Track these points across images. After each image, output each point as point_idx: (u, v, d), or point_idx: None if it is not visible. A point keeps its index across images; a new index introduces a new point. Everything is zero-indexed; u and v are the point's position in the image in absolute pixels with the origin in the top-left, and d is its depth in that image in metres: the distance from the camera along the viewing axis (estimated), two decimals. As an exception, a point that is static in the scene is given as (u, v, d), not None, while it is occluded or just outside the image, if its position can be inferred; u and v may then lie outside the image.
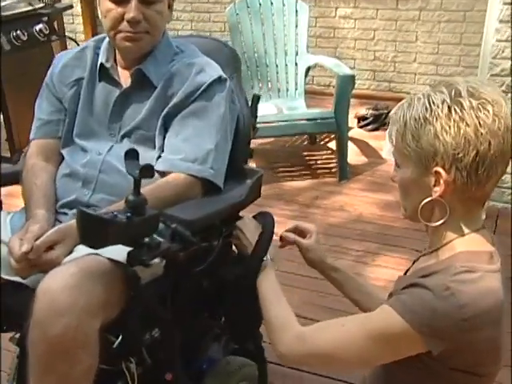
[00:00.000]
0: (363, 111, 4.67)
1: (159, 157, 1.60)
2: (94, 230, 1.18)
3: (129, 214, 1.22)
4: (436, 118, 1.09)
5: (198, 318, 1.54)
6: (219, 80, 1.63)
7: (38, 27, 3.91)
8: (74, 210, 1.57)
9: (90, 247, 1.20)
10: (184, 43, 1.74)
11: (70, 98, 1.69)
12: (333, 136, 4.13)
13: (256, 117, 1.83)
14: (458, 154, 1.07)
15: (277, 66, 4.16)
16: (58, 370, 1.23)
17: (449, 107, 1.08)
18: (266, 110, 3.90)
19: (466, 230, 1.15)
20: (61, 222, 1.56)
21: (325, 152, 4.26)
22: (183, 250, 1.38)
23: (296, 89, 4.17)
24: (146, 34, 1.59)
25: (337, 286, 1.54)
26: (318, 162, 4.16)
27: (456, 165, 1.08)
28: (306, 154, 4.27)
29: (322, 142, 4.41)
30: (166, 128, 1.61)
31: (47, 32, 3.97)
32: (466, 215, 1.15)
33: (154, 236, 1.28)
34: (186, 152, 1.57)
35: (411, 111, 1.13)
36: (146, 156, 1.60)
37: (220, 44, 1.87)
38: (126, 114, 1.65)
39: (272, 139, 4.30)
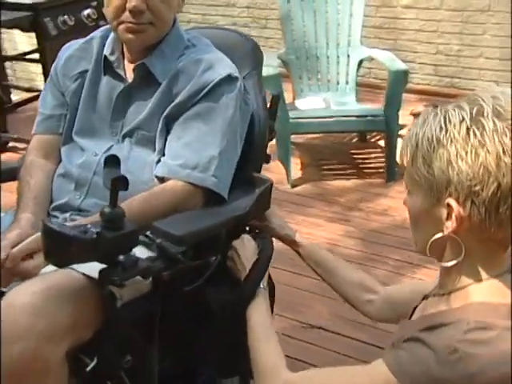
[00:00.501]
0: (420, 108, 4.39)
1: (159, 161, 1.47)
2: (57, 247, 1.07)
3: (99, 230, 1.09)
4: (451, 141, 0.91)
5: (188, 341, 1.40)
6: (228, 78, 1.48)
7: (86, 12, 3.85)
8: (66, 214, 1.47)
9: (54, 265, 1.09)
10: (197, 36, 1.59)
11: (73, 92, 1.58)
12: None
13: (275, 119, 1.67)
14: (475, 186, 0.89)
15: (328, 57, 3.94)
16: (17, 395, 1.13)
17: (467, 128, 0.90)
18: (313, 103, 3.71)
19: (484, 276, 0.96)
20: (52, 226, 1.46)
21: (374, 150, 4.02)
22: (168, 268, 1.25)
23: (347, 82, 3.96)
24: (150, 25, 1.45)
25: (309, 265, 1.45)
26: (366, 160, 3.94)
27: (472, 199, 0.90)
28: (354, 151, 4.05)
29: (373, 140, 4.18)
30: (168, 130, 1.48)
31: (95, 17, 3.90)
32: (484, 258, 0.96)
33: (131, 254, 1.15)
34: (186, 157, 1.43)
35: (424, 129, 0.95)
36: (147, 159, 1.48)
37: (240, 37, 1.71)
38: (129, 112, 1.52)
39: (320, 134, 4.11)
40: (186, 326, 1.36)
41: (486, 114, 0.90)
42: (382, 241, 3.02)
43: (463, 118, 0.91)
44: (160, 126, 1.47)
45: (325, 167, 3.84)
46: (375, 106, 3.83)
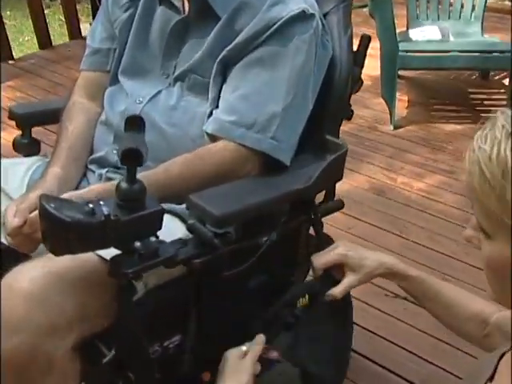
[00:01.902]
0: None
1: (211, 114, 1.22)
2: (54, 233, 0.87)
3: (110, 210, 0.88)
4: None
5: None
6: (302, 16, 1.18)
7: None
8: (102, 170, 1.27)
9: (52, 253, 0.89)
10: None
11: (123, 23, 1.34)
12: (509, 72, 3.39)
13: (362, 65, 1.35)
14: None
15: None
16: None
17: None
18: (428, 33, 3.26)
19: None
20: (89, 181, 1.28)
21: (497, 91, 3.53)
22: (202, 255, 1.03)
23: (472, 9, 3.44)
24: None
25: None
26: (486, 102, 3.47)
27: None
28: (472, 90, 3.58)
29: (497, 77, 3.67)
30: (224, 77, 1.22)
31: None
32: None
33: (151, 239, 0.94)
34: (241, 113, 1.17)
35: (500, 148, 0.63)
36: (198, 111, 1.23)
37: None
38: (183, 51, 1.27)
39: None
40: (224, 314, 1.14)
41: None
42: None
43: None
44: (214, 70, 1.20)
45: (435, 107, 3.42)
46: (505, 39, 3.30)
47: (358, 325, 1.97)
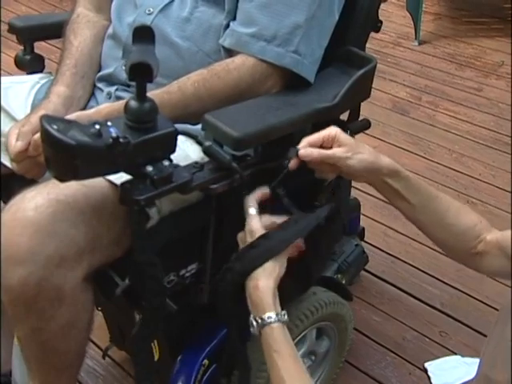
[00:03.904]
0: None
1: (228, 26, 1.11)
2: (60, 158, 0.79)
3: (119, 132, 0.80)
4: None
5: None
6: None
7: None
8: (111, 88, 1.18)
9: (57, 179, 0.82)
10: None
11: None
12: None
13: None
14: None
15: None
16: (26, 322, 0.93)
17: None
18: None
19: None
20: (97, 101, 1.19)
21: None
22: (219, 180, 0.95)
23: None
24: None
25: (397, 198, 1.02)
26: (519, 14, 3.27)
27: None
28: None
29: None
30: (241, -17, 1.10)
31: None
32: None
33: (164, 163, 0.86)
34: (261, 25, 1.07)
35: None
36: (213, 23, 1.13)
37: None
38: None
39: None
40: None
41: None
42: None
43: None
44: (231, -24, 1.09)
45: (465, 19, 3.22)
46: None
47: (379, 248, 1.93)
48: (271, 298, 0.91)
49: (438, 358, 1.59)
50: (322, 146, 0.97)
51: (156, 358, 1.18)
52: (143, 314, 1.07)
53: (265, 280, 0.91)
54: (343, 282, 1.54)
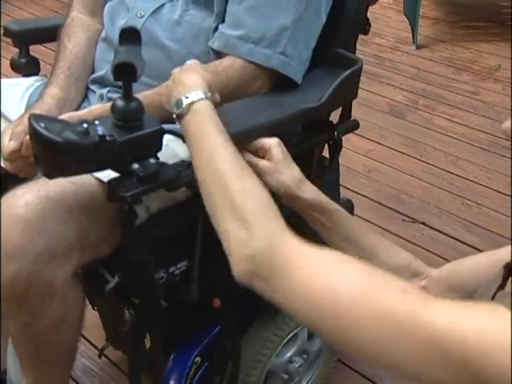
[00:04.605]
0: None
1: (217, 28, 1.14)
2: (47, 155, 0.81)
3: (106, 130, 0.83)
4: None
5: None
6: None
7: None
8: (103, 90, 1.20)
9: (45, 176, 0.84)
10: None
11: None
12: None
13: (381, -27, 1.25)
14: None
15: None
16: (18, 317, 0.96)
17: None
18: None
19: None
20: (90, 102, 1.21)
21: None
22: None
23: None
24: None
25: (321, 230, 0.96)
26: (517, 18, 3.28)
27: None
28: (504, 4, 3.37)
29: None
30: (230, -13, 1.12)
31: None
32: None
33: (150, 161, 0.88)
34: (249, 27, 1.09)
35: None
36: (203, 26, 1.15)
37: None
38: None
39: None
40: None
41: None
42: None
43: None
44: (219, -21, 1.11)
45: (461, 23, 3.24)
46: None
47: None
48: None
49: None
50: (257, 152, 0.94)
51: (148, 348, 1.20)
52: (134, 311, 1.09)
53: None
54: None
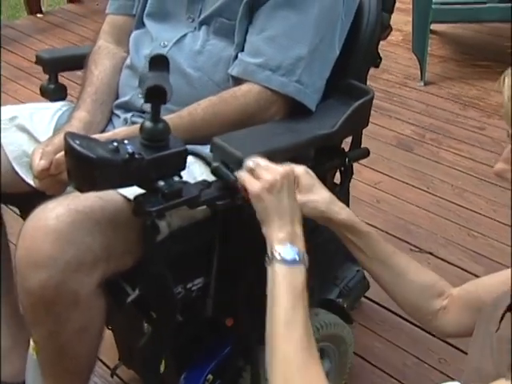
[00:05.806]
0: None
1: (236, 57, 1.21)
2: (79, 170, 0.87)
3: (134, 149, 0.89)
4: None
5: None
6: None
7: None
8: (127, 114, 1.27)
9: (77, 190, 0.90)
10: None
11: None
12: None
13: (391, 11, 1.32)
14: None
15: None
16: (44, 324, 1.00)
17: None
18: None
19: None
20: (114, 126, 1.28)
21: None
22: (225, 197, 1.03)
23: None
24: None
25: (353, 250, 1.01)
26: (521, 58, 3.37)
27: None
28: (508, 44, 3.47)
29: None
30: (250, 19, 1.20)
31: None
32: None
33: (174, 179, 0.94)
34: (267, 56, 1.16)
35: None
36: (223, 55, 1.22)
37: None
38: None
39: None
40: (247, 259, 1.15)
41: None
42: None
43: None
44: (240, 13, 1.19)
45: (468, 63, 3.33)
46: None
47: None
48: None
49: (437, 384, 1.62)
50: None
51: (162, 370, 1.23)
52: (152, 325, 1.14)
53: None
54: (345, 306, 1.60)
